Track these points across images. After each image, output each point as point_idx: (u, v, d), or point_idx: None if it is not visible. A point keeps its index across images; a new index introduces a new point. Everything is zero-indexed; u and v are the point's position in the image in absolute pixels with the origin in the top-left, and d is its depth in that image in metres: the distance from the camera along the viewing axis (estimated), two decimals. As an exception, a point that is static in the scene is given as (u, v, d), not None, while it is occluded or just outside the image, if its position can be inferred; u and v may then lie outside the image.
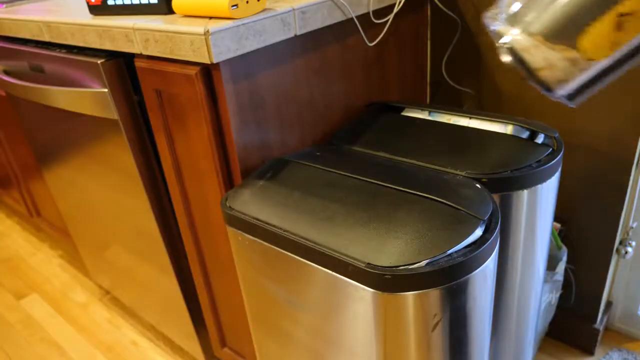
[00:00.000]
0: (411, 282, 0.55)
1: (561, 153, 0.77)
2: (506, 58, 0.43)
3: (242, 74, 0.72)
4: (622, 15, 0.37)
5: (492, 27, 0.44)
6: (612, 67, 0.41)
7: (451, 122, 0.86)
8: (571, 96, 0.44)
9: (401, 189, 0.66)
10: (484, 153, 0.74)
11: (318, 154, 0.81)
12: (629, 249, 1.07)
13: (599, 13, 0.38)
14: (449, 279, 0.56)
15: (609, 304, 1.19)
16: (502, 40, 0.43)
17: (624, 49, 0.39)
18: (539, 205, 0.77)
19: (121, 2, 0.81)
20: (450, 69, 1.12)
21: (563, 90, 0.43)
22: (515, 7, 0.42)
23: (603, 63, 0.40)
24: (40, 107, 1.07)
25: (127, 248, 1.17)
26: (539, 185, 0.75)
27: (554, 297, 1.07)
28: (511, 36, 0.42)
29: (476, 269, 0.58)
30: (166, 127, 0.83)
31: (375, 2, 0.88)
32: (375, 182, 0.69)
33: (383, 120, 0.91)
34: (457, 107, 0.95)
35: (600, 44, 0.39)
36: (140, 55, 0.78)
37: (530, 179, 0.73)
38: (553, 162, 0.75)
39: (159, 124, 0.83)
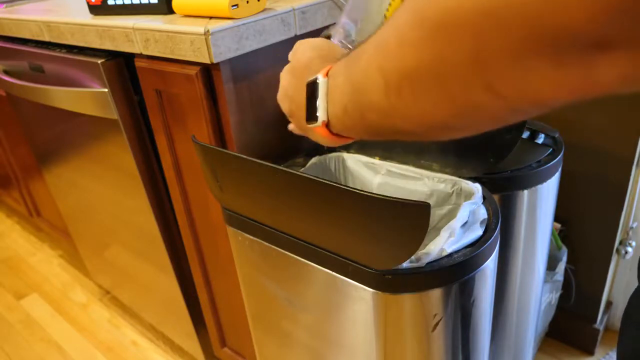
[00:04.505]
0: (411, 282, 0.55)
1: (561, 153, 0.77)
2: None
3: (242, 74, 0.72)
4: None
5: None
6: None
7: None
8: None
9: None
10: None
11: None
12: (629, 249, 1.07)
13: None
14: (449, 279, 0.56)
15: (609, 304, 1.19)
16: None
17: None
18: (539, 205, 0.77)
19: (121, 2, 0.81)
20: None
21: None
22: None
23: None
24: (40, 107, 1.07)
25: (127, 248, 1.17)
26: (539, 186, 0.75)
27: (554, 297, 1.07)
28: None
29: (476, 269, 0.58)
30: (166, 127, 0.83)
31: (375, 2, 0.88)
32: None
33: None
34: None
35: None
36: (141, 55, 0.78)
37: (530, 179, 0.73)
38: (553, 162, 0.75)
39: (159, 124, 0.83)
